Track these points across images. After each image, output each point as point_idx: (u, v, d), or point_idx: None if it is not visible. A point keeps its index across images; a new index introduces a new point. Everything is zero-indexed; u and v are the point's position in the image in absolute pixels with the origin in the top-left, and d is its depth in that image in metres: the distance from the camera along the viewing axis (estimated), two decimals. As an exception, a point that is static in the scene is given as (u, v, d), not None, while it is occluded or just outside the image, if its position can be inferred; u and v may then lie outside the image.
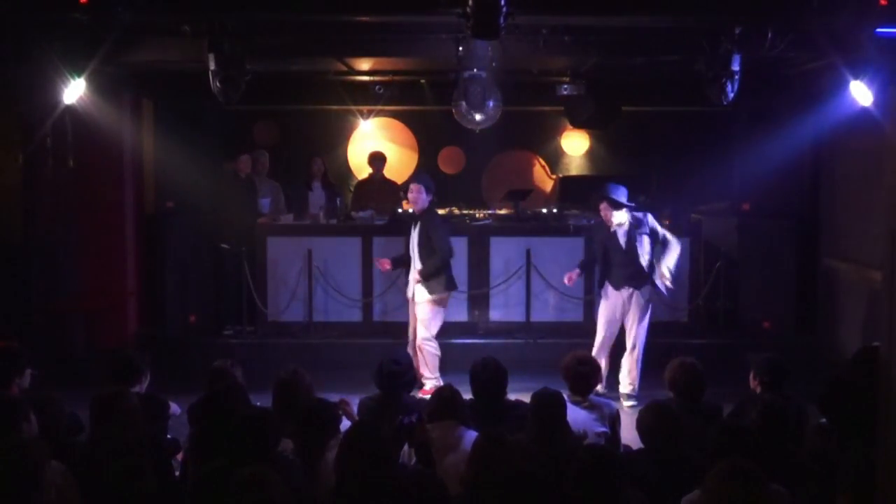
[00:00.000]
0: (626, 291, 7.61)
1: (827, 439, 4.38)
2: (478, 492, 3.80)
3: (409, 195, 7.83)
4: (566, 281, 7.91)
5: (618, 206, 7.53)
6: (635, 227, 7.57)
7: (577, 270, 7.94)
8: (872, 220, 7.98)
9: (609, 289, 7.67)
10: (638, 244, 7.54)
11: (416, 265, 7.79)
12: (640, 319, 7.63)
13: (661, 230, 7.63)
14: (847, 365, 4.46)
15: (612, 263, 7.62)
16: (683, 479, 4.05)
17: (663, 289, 7.62)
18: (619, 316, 7.67)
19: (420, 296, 7.78)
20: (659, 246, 7.62)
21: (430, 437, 4.51)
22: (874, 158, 7.97)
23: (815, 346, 9.25)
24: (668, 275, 7.56)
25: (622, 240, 7.57)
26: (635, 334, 7.64)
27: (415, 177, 8.45)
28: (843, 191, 9.19)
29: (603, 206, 7.59)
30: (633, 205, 7.68)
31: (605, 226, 7.66)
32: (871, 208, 8.01)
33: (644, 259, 7.54)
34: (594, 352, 7.50)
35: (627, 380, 7.66)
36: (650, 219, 7.66)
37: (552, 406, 4.65)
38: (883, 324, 3.90)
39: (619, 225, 7.57)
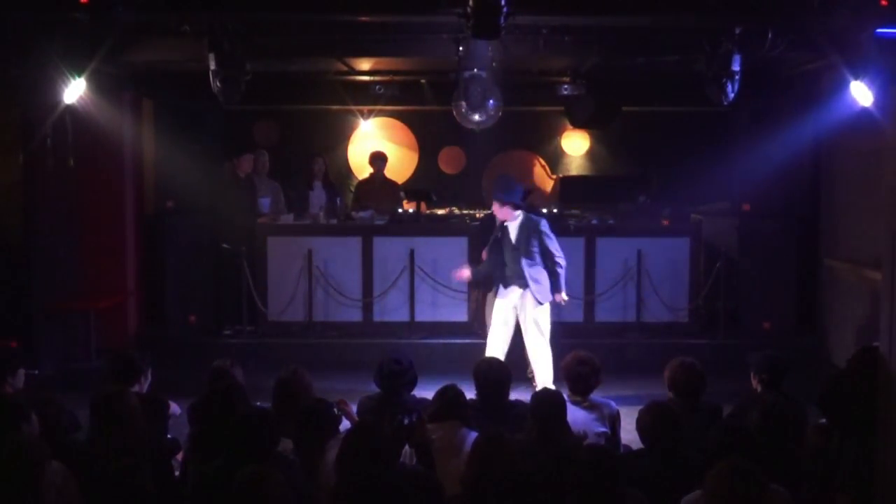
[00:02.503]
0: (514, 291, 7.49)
1: (827, 439, 4.38)
2: (478, 492, 3.80)
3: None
4: (457, 277, 7.80)
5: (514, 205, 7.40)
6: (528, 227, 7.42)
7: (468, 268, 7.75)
8: (872, 220, 7.98)
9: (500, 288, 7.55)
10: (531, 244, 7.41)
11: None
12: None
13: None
14: (847, 365, 4.45)
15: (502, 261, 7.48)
16: (683, 479, 4.05)
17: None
18: (513, 317, 7.54)
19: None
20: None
21: (429, 438, 4.51)
22: (874, 158, 7.95)
23: (815, 346, 9.26)
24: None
25: (512, 236, 7.43)
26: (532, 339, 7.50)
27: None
28: (843, 191, 9.19)
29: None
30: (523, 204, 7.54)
31: (495, 221, 7.49)
32: (871, 208, 8.01)
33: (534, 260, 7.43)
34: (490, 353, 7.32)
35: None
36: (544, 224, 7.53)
37: (552, 406, 4.65)
38: (883, 324, 3.91)
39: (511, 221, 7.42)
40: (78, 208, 9.25)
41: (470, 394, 5.20)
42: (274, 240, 9.38)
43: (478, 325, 8.97)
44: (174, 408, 5.75)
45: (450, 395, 4.81)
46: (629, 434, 5.13)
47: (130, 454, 4.10)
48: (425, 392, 5.39)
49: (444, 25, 7.19)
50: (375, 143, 11.62)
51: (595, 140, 11.80)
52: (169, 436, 5.47)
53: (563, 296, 7.55)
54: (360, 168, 11.50)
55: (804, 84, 9.18)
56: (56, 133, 8.67)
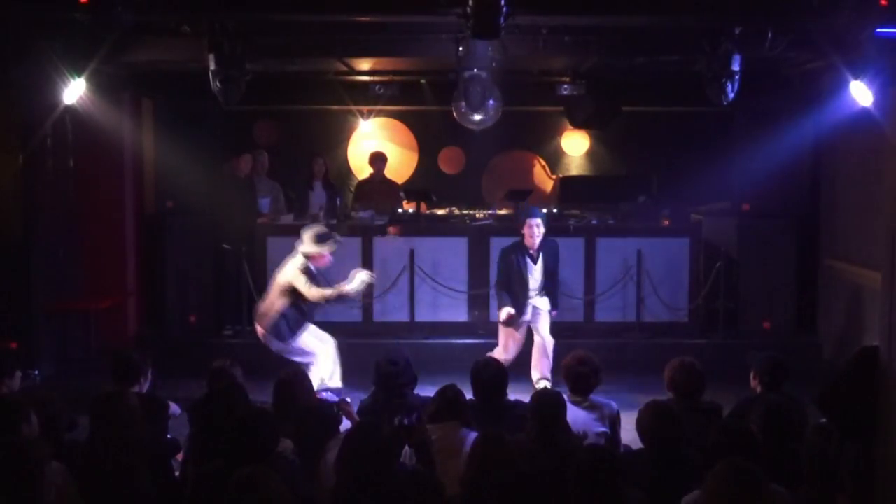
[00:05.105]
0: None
1: (827, 439, 4.38)
2: (477, 492, 3.80)
3: (531, 230, 7.70)
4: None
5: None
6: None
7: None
8: (872, 220, 7.98)
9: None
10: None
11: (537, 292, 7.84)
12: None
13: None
14: (847, 365, 4.45)
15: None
16: (683, 479, 4.05)
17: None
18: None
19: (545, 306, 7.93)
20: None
21: (429, 438, 4.51)
22: (874, 158, 7.97)
23: (815, 346, 9.26)
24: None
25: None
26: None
27: (532, 212, 8.08)
28: (843, 191, 9.19)
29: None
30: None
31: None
32: (871, 208, 8.01)
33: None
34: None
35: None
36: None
37: (552, 406, 4.65)
38: (883, 324, 3.91)
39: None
40: (78, 208, 9.25)
41: (470, 394, 5.21)
42: (274, 240, 9.36)
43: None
44: (174, 408, 5.75)
45: (450, 396, 4.81)
46: (629, 434, 5.13)
47: (130, 454, 4.10)
48: (425, 392, 5.39)
49: (444, 25, 7.18)
50: (375, 143, 11.62)
51: (595, 140, 11.79)
52: (169, 436, 5.47)
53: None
54: (360, 168, 11.50)
55: (804, 84, 9.18)
56: (56, 133, 8.68)
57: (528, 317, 7.83)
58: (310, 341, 7.49)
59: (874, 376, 3.97)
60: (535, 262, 7.79)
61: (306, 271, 7.39)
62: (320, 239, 7.46)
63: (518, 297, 7.72)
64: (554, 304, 7.97)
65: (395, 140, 11.86)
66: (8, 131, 8.24)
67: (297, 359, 7.39)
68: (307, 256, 7.47)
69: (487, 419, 4.95)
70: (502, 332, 7.90)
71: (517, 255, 7.76)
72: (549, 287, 7.91)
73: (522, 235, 7.78)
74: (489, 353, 7.37)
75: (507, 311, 7.68)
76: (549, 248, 7.88)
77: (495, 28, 6.10)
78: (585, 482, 3.69)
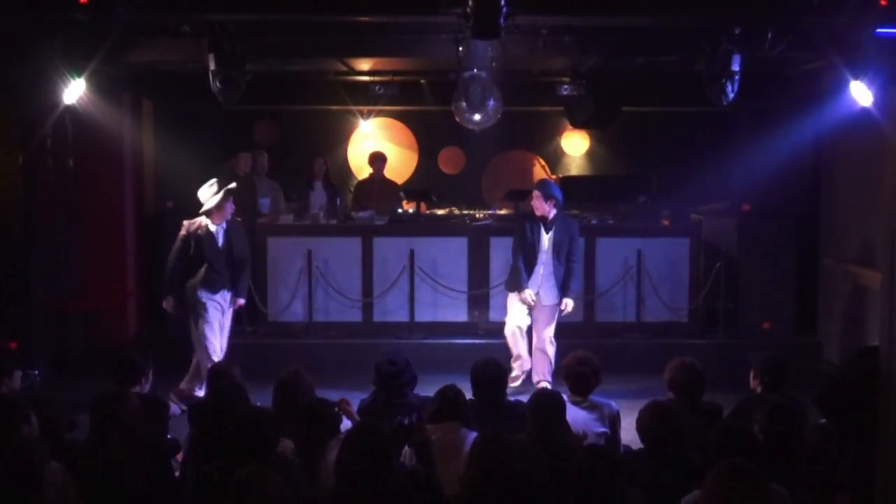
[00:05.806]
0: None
1: (827, 439, 4.38)
2: (477, 492, 3.80)
3: (532, 202, 7.78)
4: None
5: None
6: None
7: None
8: (872, 220, 7.98)
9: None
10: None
11: (545, 267, 7.78)
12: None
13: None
14: (847, 365, 4.45)
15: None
16: (683, 479, 4.05)
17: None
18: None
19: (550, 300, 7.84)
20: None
21: (429, 438, 4.51)
22: (874, 158, 7.96)
23: (815, 346, 9.26)
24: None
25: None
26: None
27: (536, 184, 8.17)
28: (843, 191, 9.19)
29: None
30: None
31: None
32: (871, 208, 8.01)
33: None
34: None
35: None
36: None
37: (552, 406, 4.66)
38: (883, 324, 3.90)
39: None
40: (78, 208, 9.25)
41: (470, 394, 5.21)
42: (274, 240, 9.38)
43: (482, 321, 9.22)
44: (174, 408, 5.76)
45: (450, 396, 4.81)
46: (629, 434, 5.13)
47: (130, 455, 4.10)
48: (425, 392, 5.39)
49: (444, 25, 7.18)
50: (375, 143, 11.62)
51: (595, 140, 11.80)
52: (169, 436, 5.48)
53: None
54: (360, 168, 11.50)
55: (804, 84, 9.18)
56: (56, 133, 8.68)
57: (533, 296, 7.77)
58: (215, 331, 7.43)
59: (874, 376, 3.97)
60: (546, 230, 7.76)
61: (185, 238, 7.40)
62: (216, 189, 7.40)
63: (527, 265, 7.74)
64: (566, 290, 7.80)
65: (395, 140, 11.86)
66: (8, 131, 8.24)
67: (202, 342, 7.30)
68: (210, 215, 7.44)
69: (487, 419, 4.95)
70: (514, 300, 7.84)
71: (532, 222, 7.77)
72: (562, 274, 7.79)
73: None
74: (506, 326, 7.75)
75: (527, 293, 7.68)
76: (564, 224, 7.84)
77: (495, 28, 6.10)
78: (585, 482, 3.69)
